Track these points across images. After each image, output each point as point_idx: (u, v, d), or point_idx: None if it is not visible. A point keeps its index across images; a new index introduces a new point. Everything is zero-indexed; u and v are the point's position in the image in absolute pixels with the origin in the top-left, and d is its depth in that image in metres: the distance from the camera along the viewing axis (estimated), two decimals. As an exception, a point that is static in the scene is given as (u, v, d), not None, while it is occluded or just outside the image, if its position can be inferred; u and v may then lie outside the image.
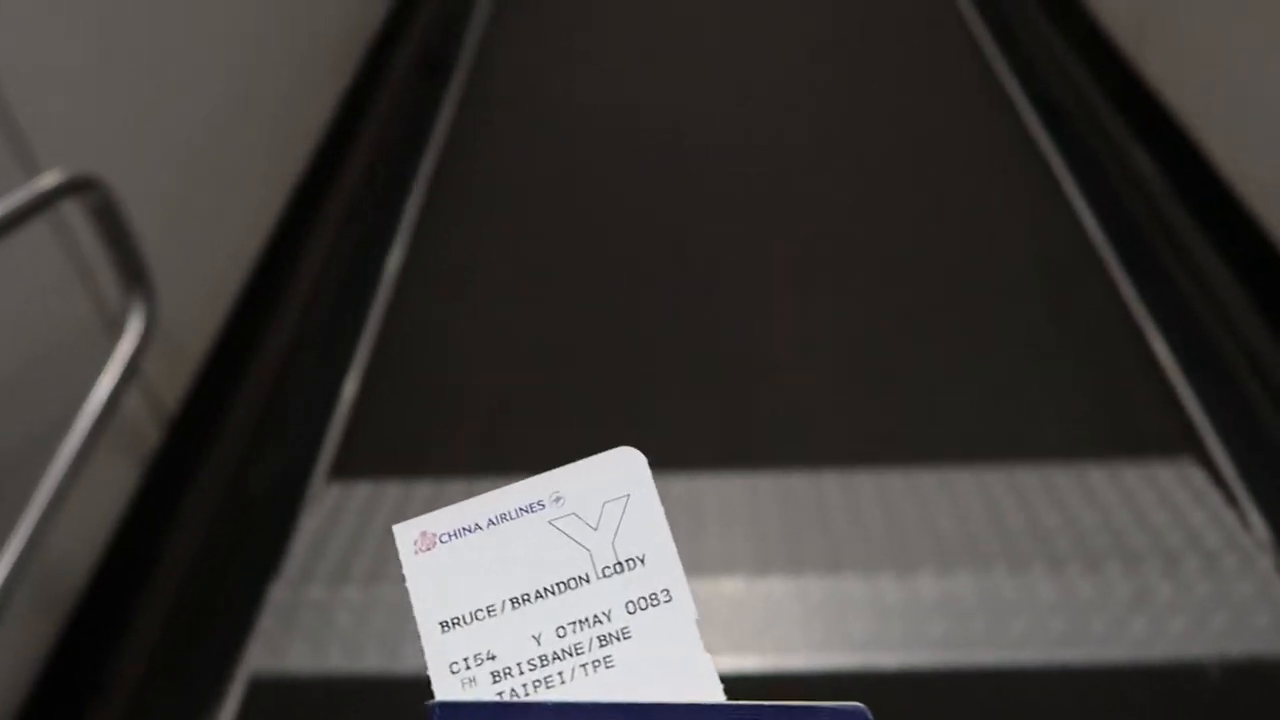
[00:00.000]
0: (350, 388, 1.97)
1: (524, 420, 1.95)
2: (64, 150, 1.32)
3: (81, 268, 1.43)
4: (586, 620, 0.30)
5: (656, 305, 2.21)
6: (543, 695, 0.29)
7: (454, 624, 0.30)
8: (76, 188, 1.13)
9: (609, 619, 0.30)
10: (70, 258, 1.42)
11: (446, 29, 3.34)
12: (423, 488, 1.81)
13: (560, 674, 0.29)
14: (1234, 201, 2.13)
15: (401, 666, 1.48)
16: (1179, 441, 1.85)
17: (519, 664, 0.29)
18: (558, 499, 0.32)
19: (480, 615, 0.30)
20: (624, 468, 0.32)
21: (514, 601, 0.30)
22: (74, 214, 1.32)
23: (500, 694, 0.29)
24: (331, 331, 2.09)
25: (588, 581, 0.30)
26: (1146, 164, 2.46)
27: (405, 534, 0.31)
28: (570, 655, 0.30)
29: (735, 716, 0.28)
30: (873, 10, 3.36)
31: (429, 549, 0.31)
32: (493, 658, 0.29)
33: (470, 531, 0.31)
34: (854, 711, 0.29)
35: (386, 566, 1.62)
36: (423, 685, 0.29)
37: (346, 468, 1.85)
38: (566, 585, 0.30)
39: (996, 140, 2.71)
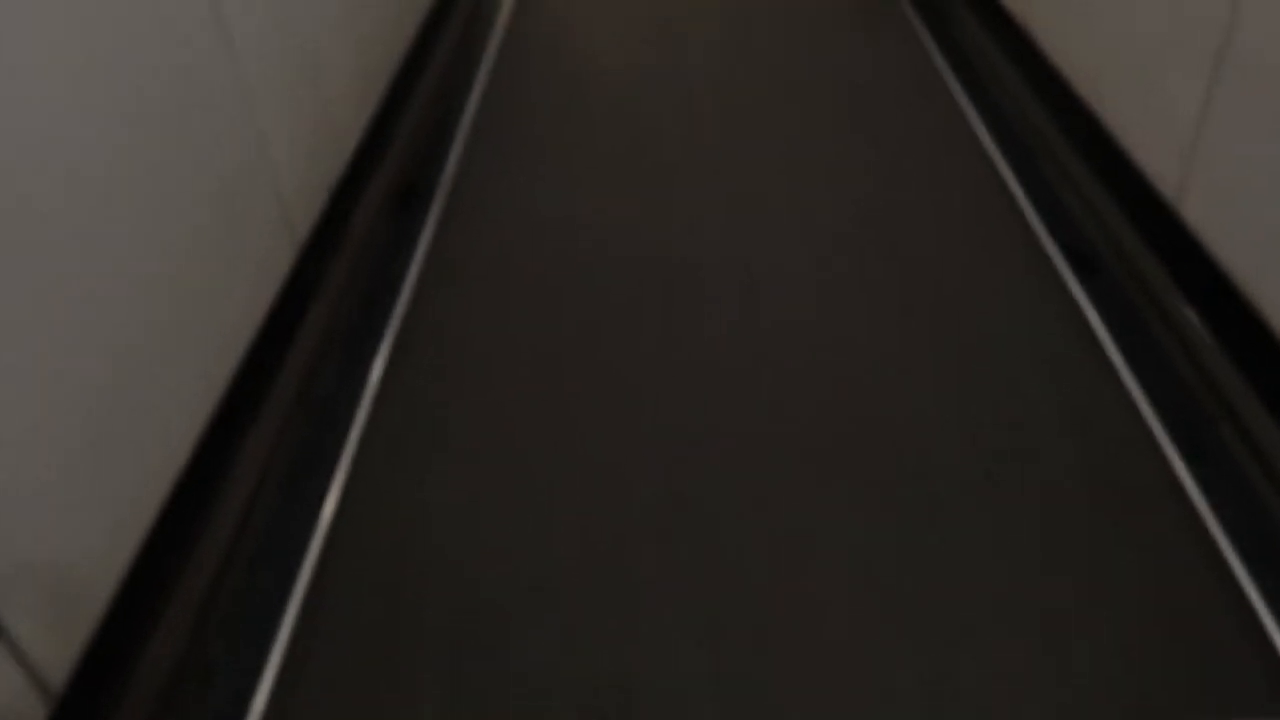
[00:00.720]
0: (286, 626, 1.67)
1: (485, 683, 1.65)
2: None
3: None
4: None
5: (649, 520, 1.92)
6: None
7: None
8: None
9: None
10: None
11: (423, 160, 3.10)
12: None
13: None
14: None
15: None
16: (1273, 695, 1.55)
17: None
18: None
19: None
20: None
21: None
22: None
23: None
24: (267, 554, 1.80)
25: None
26: (1196, 326, 2.20)
27: None
28: None
29: None
30: (895, 147, 3.14)
31: None
32: None
33: None
34: None
35: None
36: None
37: (279, 729, 1.55)
38: None
39: (1028, 293, 2.45)
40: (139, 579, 1.55)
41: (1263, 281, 2.01)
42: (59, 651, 1.40)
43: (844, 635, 1.67)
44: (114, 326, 1.56)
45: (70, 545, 1.42)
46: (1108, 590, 1.73)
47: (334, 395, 2.23)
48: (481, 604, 1.74)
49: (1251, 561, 1.76)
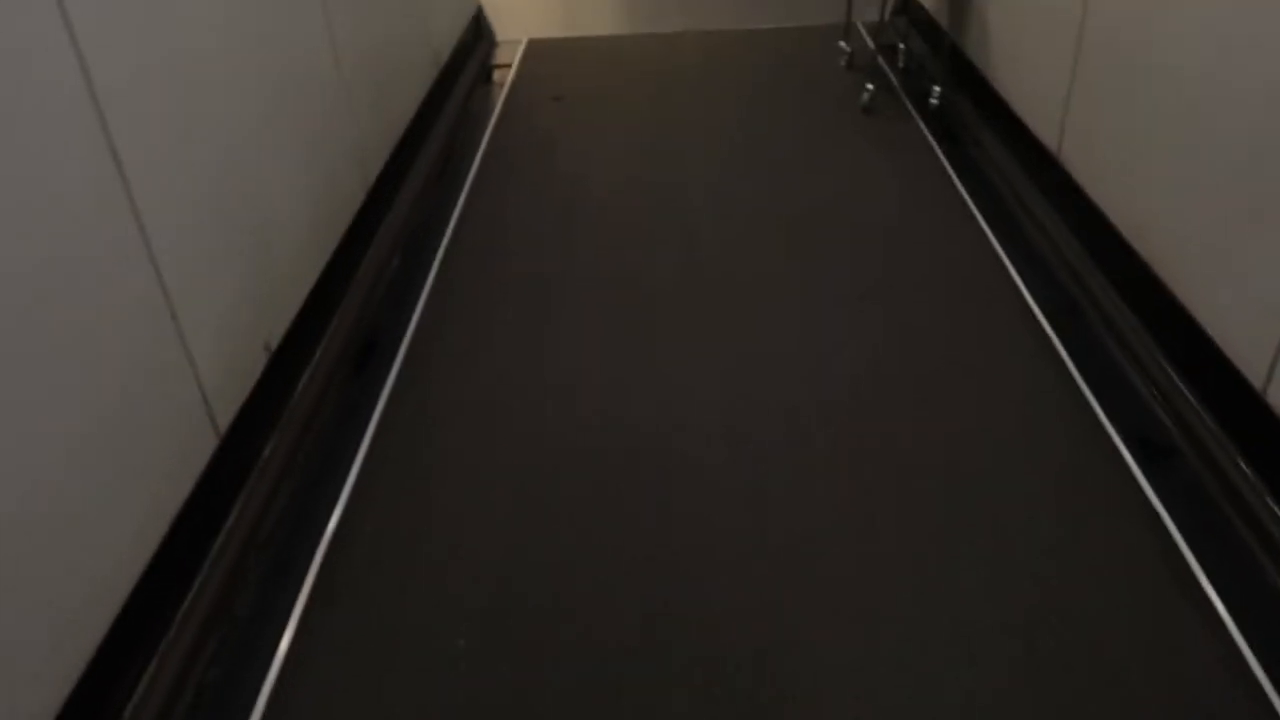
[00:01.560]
0: None
1: None
2: None
3: None
4: None
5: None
6: None
7: None
8: None
9: None
10: None
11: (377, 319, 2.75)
12: None
13: None
14: None
15: None
16: None
17: None
18: None
19: None
20: None
21: None
22: None
23: None
24: None
25: None
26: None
27: None
28: None
29: None
30: (921, 305, 2.79)
31: None
32: None
33: None
34: None
35: None
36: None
37: None
38: None
39: (1088, 488, 2.07)
40: None
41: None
42: None
43: None
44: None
45: None
46: None
47: (256, 617, 1.84)
48: None
49: None
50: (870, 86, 3.88)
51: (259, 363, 2.17)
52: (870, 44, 4.64)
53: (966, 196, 3.24)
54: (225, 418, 1.99)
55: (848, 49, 4.38)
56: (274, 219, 2.28)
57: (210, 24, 2.01)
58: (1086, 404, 2.27)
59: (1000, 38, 3.45)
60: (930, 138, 3.67)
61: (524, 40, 5.06)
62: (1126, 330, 2.41)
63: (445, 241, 3.09)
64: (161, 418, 1.76)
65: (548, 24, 5.43)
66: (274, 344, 2.24)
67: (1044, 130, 3.03)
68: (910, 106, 3.96)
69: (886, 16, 3.97)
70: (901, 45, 4.38)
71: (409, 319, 2.69)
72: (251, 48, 2.21)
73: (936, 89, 3.83)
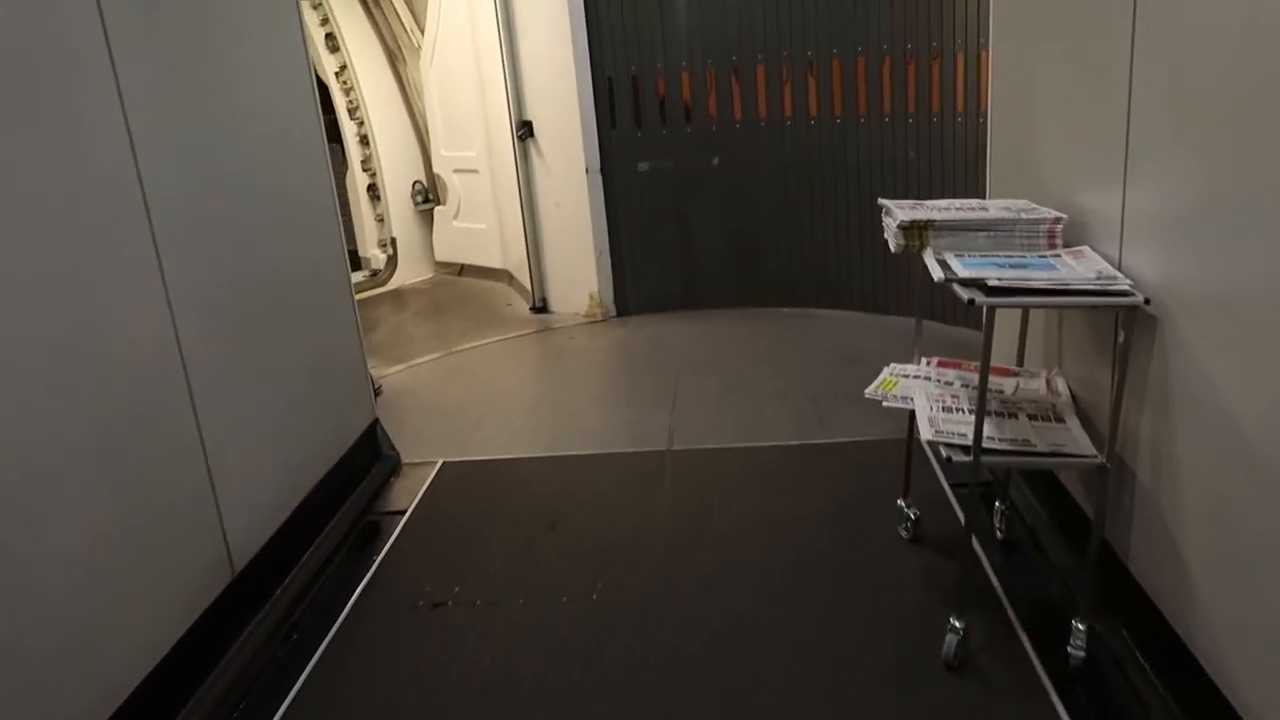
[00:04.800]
0: None
1: None
2: None
3: None
4: None
5: None
6: None
7: None
8: None
9: None
10: None
11: None
12: None
13: None
14: None
15: None
16: None
17: None
18: None
19: None
20: None
21: None
22: None
23: None
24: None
25: None
26: None
27: None
28: None
29: None
30: None
31: None
32: None
33: None
34: None
35: None
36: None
37: None
38: None
39: None
40: None
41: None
42: None
43: None
44: None
45: None
46: None
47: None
48: None
49: None
50: (958, 625, 2.15)
51: None
52: (948, 491, 2.98)
53: None
54: None
55: (911, 514, 2.70)
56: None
57: None
58: None
59: (1211, 570, 1.74)
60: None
61: (437, 464, 3.51)
62: None
63: None
64: None
65: (483, 433, 3.91)
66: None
67: None
68: (1030, 649, 2.20)
69: (978, 445, 2.16)
70: (999, 504, 2.70)
71: None
72: None
73: (1080, 628, 2.10)
